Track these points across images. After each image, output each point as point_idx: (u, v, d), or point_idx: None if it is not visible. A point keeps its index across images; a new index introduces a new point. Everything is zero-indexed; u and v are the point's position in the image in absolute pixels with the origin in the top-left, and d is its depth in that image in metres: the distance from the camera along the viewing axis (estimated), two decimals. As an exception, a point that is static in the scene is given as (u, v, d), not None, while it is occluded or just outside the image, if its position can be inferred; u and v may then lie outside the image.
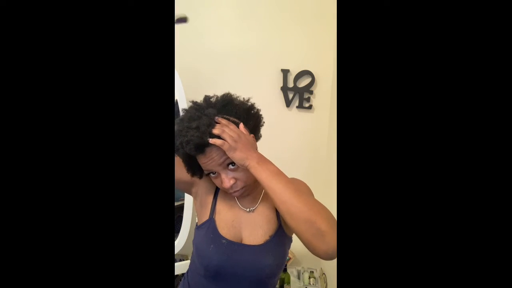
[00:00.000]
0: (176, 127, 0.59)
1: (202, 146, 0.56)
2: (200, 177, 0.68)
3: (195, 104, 0.62)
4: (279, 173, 0.55)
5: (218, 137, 0.56)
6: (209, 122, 0.56)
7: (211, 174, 0.63)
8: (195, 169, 0.65)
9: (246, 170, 0.59)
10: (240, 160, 0.56)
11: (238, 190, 0.63)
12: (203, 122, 0.56)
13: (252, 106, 0.65)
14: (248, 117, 0.63)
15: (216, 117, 0.58)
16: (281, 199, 0.53)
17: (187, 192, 0.76)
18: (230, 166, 0.60)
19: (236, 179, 0.61)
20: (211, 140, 0.55)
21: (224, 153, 0.57)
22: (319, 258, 1.81)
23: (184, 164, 0.65)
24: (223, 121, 0.58)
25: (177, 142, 0.57)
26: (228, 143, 0.55)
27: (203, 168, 0.62)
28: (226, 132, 0.56)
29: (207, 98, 0.63)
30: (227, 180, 0.60)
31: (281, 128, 1.63)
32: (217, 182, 0.64)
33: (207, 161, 0.59)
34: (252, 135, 0.64)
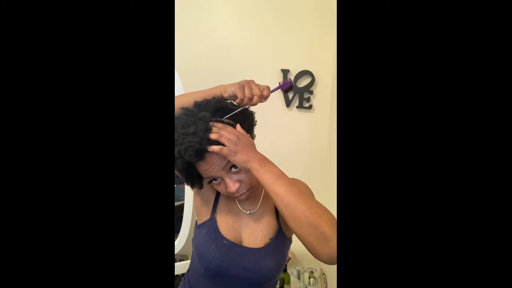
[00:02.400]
0: None
1: (203, 152, 0.54)
2: (201, 187, 0.66)
3: (185, 110, 0.59)
4: (281, 175, 0.54)
5: (216, 142, 0.54)
6: (206, 127, 0.54)
7: (213, 181, 0.61)
8: (195, 179, 0.63)
9: (249, 171, 0.58)
10: (242, 163, 0.54)
11: (244, 193, 0.61)
12: (199, 127, 0.53)
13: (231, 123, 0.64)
14: (243, 118, 0.62)
15: (211, 122, 0.56)
16: (284, 202, 0.51)
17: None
18: (233, 169, 0.58)
19: (240, 182, 0.59)
20: (210, 148, 0.53)
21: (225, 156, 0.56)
22: (319, 258, 1.79)
23: (182, 175, 0.62)
24: (219, 125, 0.56)
25: (175, 150, 0.54)
26: (227, 147, 0.53)
27: (205, 176, 0.60)
28: (224, 135, 0.54)
29: (197, 104, 0.60)
30: (232, 184, 0.58)
31: (281, 128, 1.63)
32: (220, 188, 0.62)
33: (208, 167, 0.57)
34: (248, 135, 0.62)
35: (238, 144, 0.54)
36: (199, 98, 0.62)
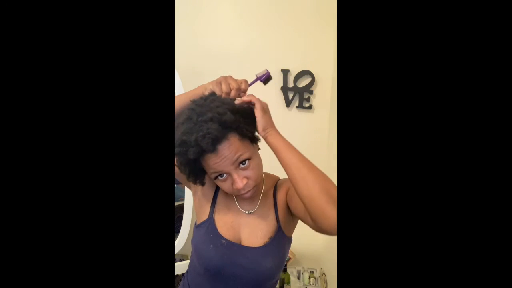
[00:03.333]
0: (185, 127, 0.55)
1: (219, 140, 0.54)
2: (203, 184, 0.65)
3: (196, 101, 0.59)
4: (294, 147, 0.58)
5: (224, 134, 0.55)
6: (222, 102, 0.56)
7: (219, 177, 0.59)
8: (198, 174, 0.62)
9: (254, 168, 0.58)
10: (265, 125, 0.58)
11: (250, 190, 0.60)
12: (215, 104, 0.55)
13: (249, 107, 0.65)
14: (247, 115, 0.62)
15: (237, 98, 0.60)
16: (297, 165, 0.54)
17: (188, 185, 0.73)
18: (241, 165, 0.58)
19: (247, 178, 0.59)
20: (246, 97, 0.58)
21: (237, 150, 0.55)
22: (319, 258, 1.79)
23: (185, 170, 0.61)
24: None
25: (191, 138, 0.52)
26: (261, 104, 0.58)
27: (213, 170, 0.58)
28: (255, 97, 0.58)
29: (204, 97, 0.60)
30: (239, 180, 0.57)
31: (281, 128, 1.60)
32: (225, 185, 0.60)
33: (219, 160, 0.55)
34: None
35: (266, 109, 0.59)
36: (182, 100, 0.64)
